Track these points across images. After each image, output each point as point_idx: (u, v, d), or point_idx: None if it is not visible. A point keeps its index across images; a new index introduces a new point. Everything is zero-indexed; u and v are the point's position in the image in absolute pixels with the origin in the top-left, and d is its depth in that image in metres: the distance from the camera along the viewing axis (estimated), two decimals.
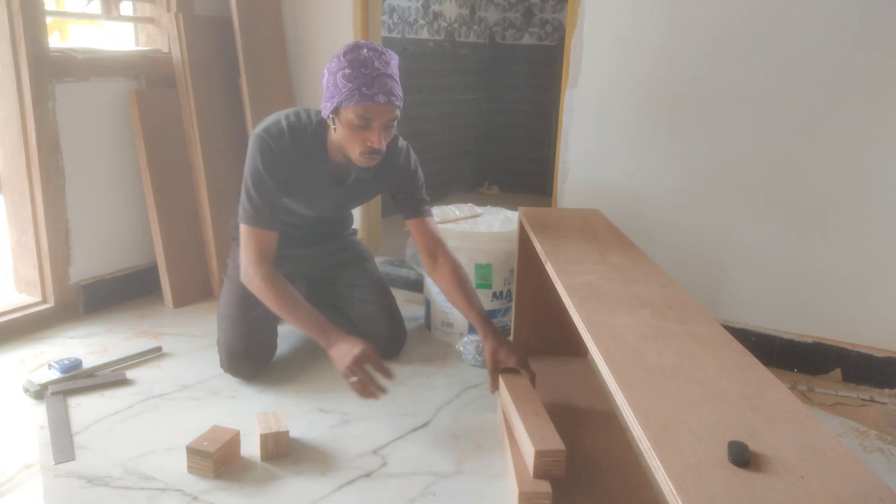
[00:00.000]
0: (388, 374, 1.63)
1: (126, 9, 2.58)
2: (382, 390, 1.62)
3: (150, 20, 2.60)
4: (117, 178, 2.46)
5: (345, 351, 1.64)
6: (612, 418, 1.76)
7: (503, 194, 4.62)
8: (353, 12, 2.64)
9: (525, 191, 4.58)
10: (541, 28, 4.45)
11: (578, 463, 1.56)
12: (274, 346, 2.02)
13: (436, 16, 4.06)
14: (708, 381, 1.00)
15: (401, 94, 1.71)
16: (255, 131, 1.81)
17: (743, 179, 2.12)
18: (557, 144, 2.37)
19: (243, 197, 1.81)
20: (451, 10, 4.20)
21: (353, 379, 1.60)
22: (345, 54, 1.67)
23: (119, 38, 2.79)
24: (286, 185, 1.82)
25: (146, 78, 2.48)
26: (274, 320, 2.03)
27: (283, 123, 1.80)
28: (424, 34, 3.98)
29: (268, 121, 1.82)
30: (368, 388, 1.61)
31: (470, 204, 2.48)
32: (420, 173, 2.00)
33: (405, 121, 3.88)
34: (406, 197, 1.97)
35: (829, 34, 1.94)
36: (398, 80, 1.71)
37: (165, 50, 2.55)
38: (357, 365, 1.61)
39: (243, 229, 1.80)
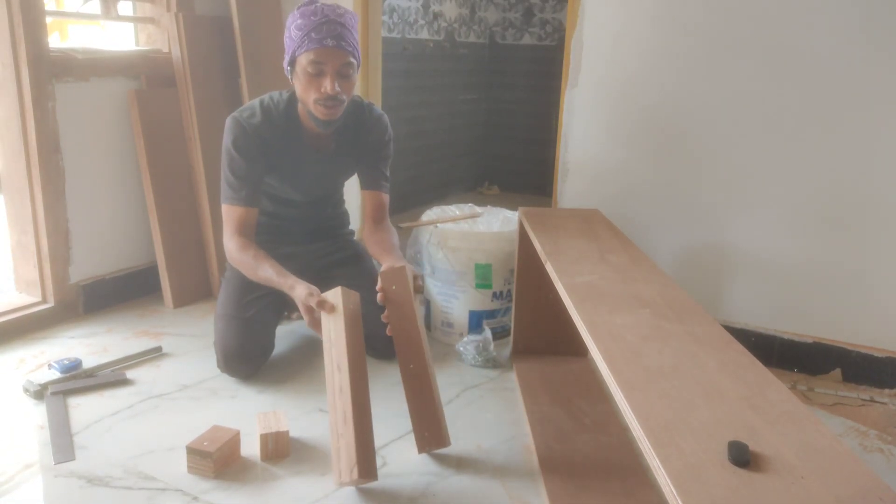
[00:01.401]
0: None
1: (126, 9, 2.58)
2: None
3: (150, 20, 2.60)
4: (117, 178, 2.46)
5: (300, 299, 1.62)
6: (612, 418, 1.76)
7: (503, 194, 4.62)
8: None
9: (525, 191, 4.58)
10: (541, 28, 4.45)
11: (578, 463, 1.56)
12: (270, 345, 2.02)
13: (436, 16, 4.06)
14: (708, 381, 1.00)
15: (355, 44, 1.75)
16: (231, 115, 1.87)
17: (743, 179, 2.12)
18: (557, 144, 2.37)
19: (221, 178, 1.87)
20: (450, 10, 4.20)
21: (307, 319, 1.60)
22: (298, 7, 1.74)
23: (119, 38, 2.79)
24: (266, 161, 1.88)
25: (146, 78, 2.48)
26: (270, 319, 2.03)
27: (255, 103, 1.88)
28: (424, 34, 3.98)
29: (241, 107, 1.89)
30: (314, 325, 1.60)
31: (470, 204, 2.48)
32: (392, 146, 2.05)
33: (405, 121, 3.91)
34: (370, 166, 2.02)
35: (832, 33, 1.94)
36: (353, 32, 1.75)
37: (165, 50, 2.55)
38: (307, 309, 1.60)
39: (223, 209, 1.88)
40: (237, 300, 1.95)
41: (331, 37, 1.70)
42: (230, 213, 1.86)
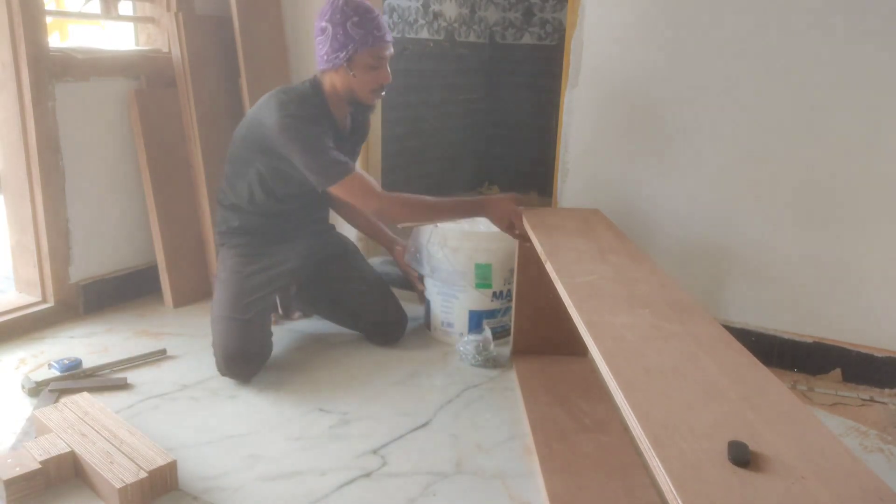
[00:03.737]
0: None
1: (126, 8, 2.57)
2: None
3: (150, 20, 2.60)
4: (117, 177, 2.46)
5: (502, 210, 1.98)
6: (612, 418, 1.76)
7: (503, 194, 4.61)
8: None
9: (525, 191, 4.58)
10: (541, 28, 4.45)
11: (578, 463, 1.56)
12: (270, 345, 2.02)
13: (436, 15, 4.06)
14: (708, 381, 1.00)
15: None
16: (280, 115, 1.82)
17: (743, 179, 2.12)
18: (557, 144, 2.37)
19: (316, 161, 1.83)
20: (450, 10, 4.20)
21: (517, 232, 1.97)
22: (346, 3, 1.83)
23: (119, 37, 2.79)
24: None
25: (146, 78, 2.48)
26: (268, 320, 2.03)
27: (293, 94, 1.89)
28: (424, 34, 3.98)
29: (286, 96, 1.86)
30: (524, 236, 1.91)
31: None
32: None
33: (405, 120, 3.91)
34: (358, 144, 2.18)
35: (830, 28, 1.93)
36: None
37: (165, 50, 2.55)
38: (515, 221, 1.95)
39: (343, 183, 1.84)
40: (236, 302, 1.94)
41: (388, 31, 1.88)
42: (354, 182, 1.86)
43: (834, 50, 1.94)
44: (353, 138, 2.11)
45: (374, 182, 1.93)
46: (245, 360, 1.92)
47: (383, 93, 1.96)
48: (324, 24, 1.85)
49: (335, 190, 1.86)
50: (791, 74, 2.00)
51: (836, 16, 1.92)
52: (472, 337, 2.13)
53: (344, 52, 1.85)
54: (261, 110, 1.90)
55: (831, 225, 2.03)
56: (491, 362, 2.09)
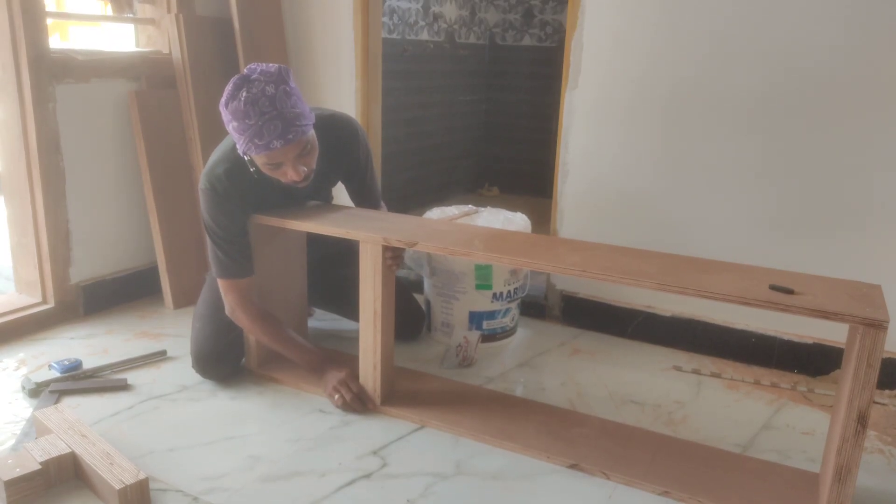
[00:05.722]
0: (365, 397, 1.81)
1: None
2: (363, 407, 1.79)
3: (151, 21, 2.60)
4: (117, 178, 2.46)
5: (331, 377, 1.83)
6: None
7: (503, 195, 4.62)
8: (352, 13, 2.64)
9: (525, 192, 4.58)
10: (541, 29, 4.45)
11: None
12: (243, 349, 1.98)
13: (436, 17, 4.06)
14: None
15: (301, 122, 1.63)
16: (199, 185, 1.80)
17: (744, 179, 2.12)
18: (557, 145, 2.37)
19: (210, 250, 1.83)
20: (451, 12, 4.20)
21: (336, 397, 1.79)
22: (226, 104, 1.61)
23: (119, 39, 2.79)
24: (248, 215, 1.83)
25: (146, 79, 2.48)
26: None
27: (220, 168, 1.76)
28: (424, 35, 3.98)
29: (205, 169, 1.80)
30: (350, 405, 1.79)
31: (469, 205, 2.48)
32: (371, 159, 2.02)
33: (405, 122, 3.92)
34: (358, 193, 2.06)
35: (825, 34, 1.94)
36: (291, 105, 1.61)
37: (166, 51, 2.56)
38: (340, 385, 1.80)
39: (219, 283, 1.85)
40: (215, 301, 1.92)
41: (275, 137, 1.59)
42: (228, 287, 1.82)
43: (833, 51, 1.94)
44: (318, 181, 1.89)
45: (244, 294, 1.82)
46: (215, 361, 1.91)
47: (304, 180, 1.70)
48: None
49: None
50: (796, 75, 2.00)
51: (835, 19, 1.92)
52: (456, 337, 2.12)
53: (241, 149, 1.66)
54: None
55: (830, 225, 2.03)
56: (467, 361, 2.09)
